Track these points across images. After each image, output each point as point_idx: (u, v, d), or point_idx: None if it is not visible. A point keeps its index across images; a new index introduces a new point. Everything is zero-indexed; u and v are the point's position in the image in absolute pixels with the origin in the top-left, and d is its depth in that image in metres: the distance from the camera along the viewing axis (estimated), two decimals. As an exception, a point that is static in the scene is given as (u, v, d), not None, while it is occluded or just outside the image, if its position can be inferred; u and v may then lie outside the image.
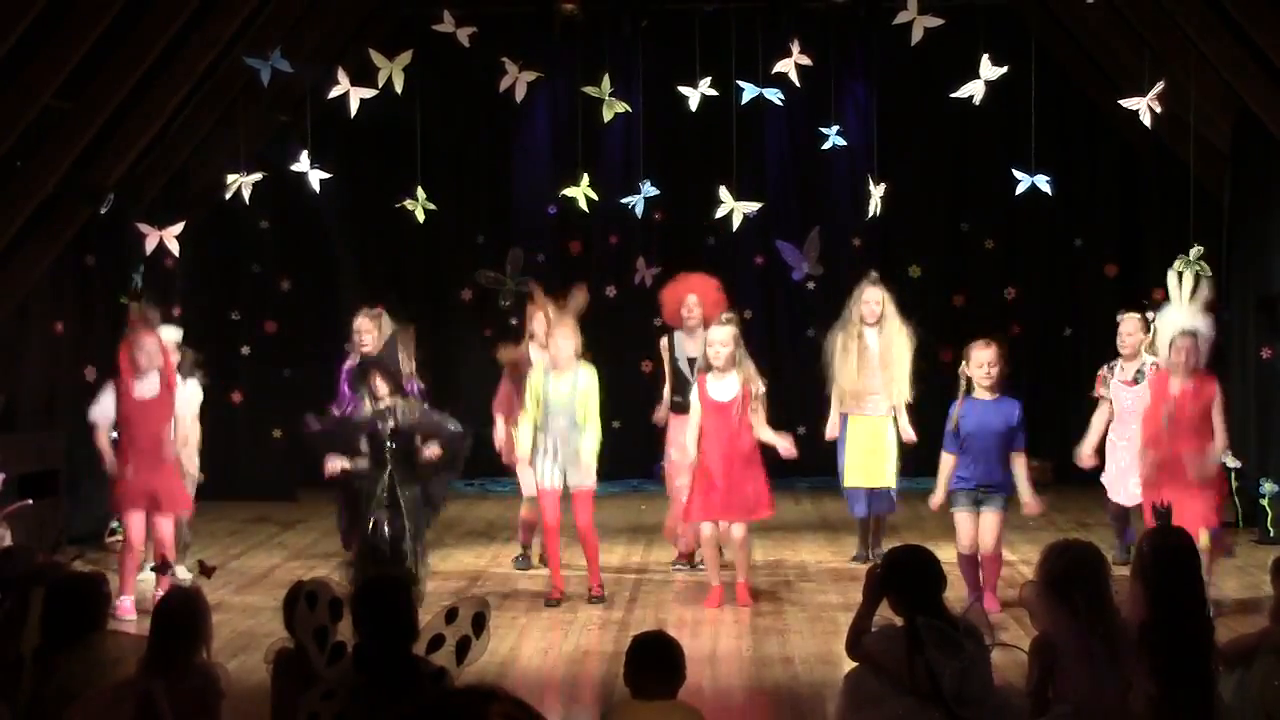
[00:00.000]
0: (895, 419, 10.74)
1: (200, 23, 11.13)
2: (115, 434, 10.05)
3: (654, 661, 5.27)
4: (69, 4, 9.87)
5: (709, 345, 9.87)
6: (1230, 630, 7.16)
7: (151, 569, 10.06)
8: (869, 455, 10.72)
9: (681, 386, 10.74)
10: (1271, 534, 11.53)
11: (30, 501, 9.81)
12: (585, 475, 9.93)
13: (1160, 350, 9.82)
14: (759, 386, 9.76)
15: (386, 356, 10.35)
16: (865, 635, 5.65)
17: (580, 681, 8.11)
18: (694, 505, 9.84)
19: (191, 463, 10.63)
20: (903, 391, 10.67)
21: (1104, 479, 10.69)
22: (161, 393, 9.82)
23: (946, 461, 9.40)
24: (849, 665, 5.86)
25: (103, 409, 9.94)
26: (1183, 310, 9.59)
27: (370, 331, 10.68)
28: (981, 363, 9.27)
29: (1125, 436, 10.40)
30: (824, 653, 8.40)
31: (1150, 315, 10.70)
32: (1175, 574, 5.54)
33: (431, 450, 9.48)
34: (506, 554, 11.35)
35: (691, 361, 10.71)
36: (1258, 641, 6.09)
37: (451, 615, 5.21)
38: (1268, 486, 11.64)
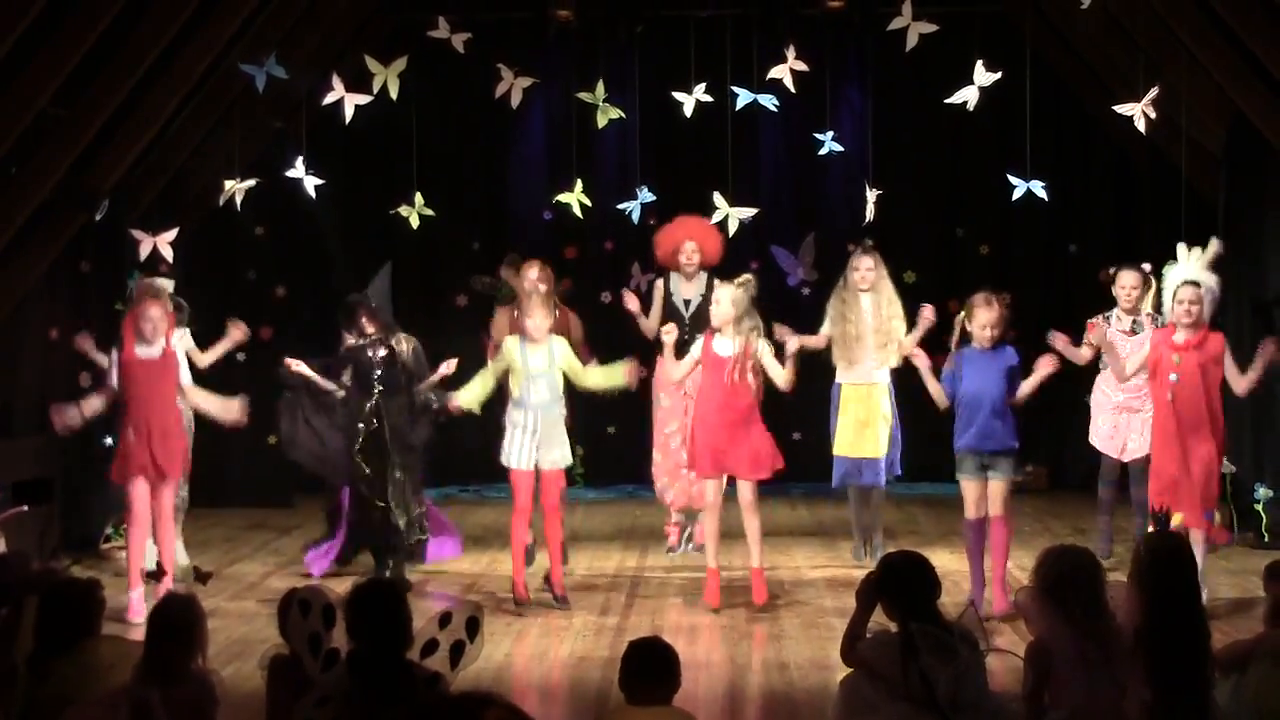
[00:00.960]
0: (890, 390, 10.72)
1: (195, 29, 11.12)
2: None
3: (649, 667, 5.28)
4: (64, 9, 9.87)
5: (713, 301, 9.83)
6: (1224, 634, 7.17)
7: (146, 574, 10.07)
8: (860, 425, 10.64)
9: (675, 325, 10.60)
10: (1266, 539, 11.54)
11: (26, 508, 9.80)
12: (561, 455, 9.89)
13: (1165, 304, 9.79)
14: (760, 345, 9.65)
15: (374, 294, 10.35)
16: (860, 641, 5.66)
17: (575, 687, 8.11)
18: (696, 456, 9.81)
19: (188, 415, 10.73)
20: (900, 345, 10.52)
21: (1094, 439, 10.71)
22: (164, 356, 9.89)
23: (938, 392, 9.43)
24: (844, 671, 5.87)
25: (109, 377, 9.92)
26: (1189, 265, 9.59)
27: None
28: (985, 324, 9.28)
29: (1119, 386, 10.42)
30: (819, 658, 8.40)
31: (1147, 268, 10.73)
32: (1171, 579, 5.54)
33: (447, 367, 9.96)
34: (503, 560, 11.30)
35: (687, 303, 10.86)
36: (1253, 646, 6.10)
37: (445, 620, 5.22)
38: (1263, 492, 11.65)
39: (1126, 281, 10.66)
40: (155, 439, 9.77)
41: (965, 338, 9.45)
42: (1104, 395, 10.73)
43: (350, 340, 10.31)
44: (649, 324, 11.04)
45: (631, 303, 11.16)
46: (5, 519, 9.39)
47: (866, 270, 10.77)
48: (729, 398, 9.62)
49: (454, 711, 3.17)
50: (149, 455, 9.73)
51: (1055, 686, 5.52)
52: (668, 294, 11.05)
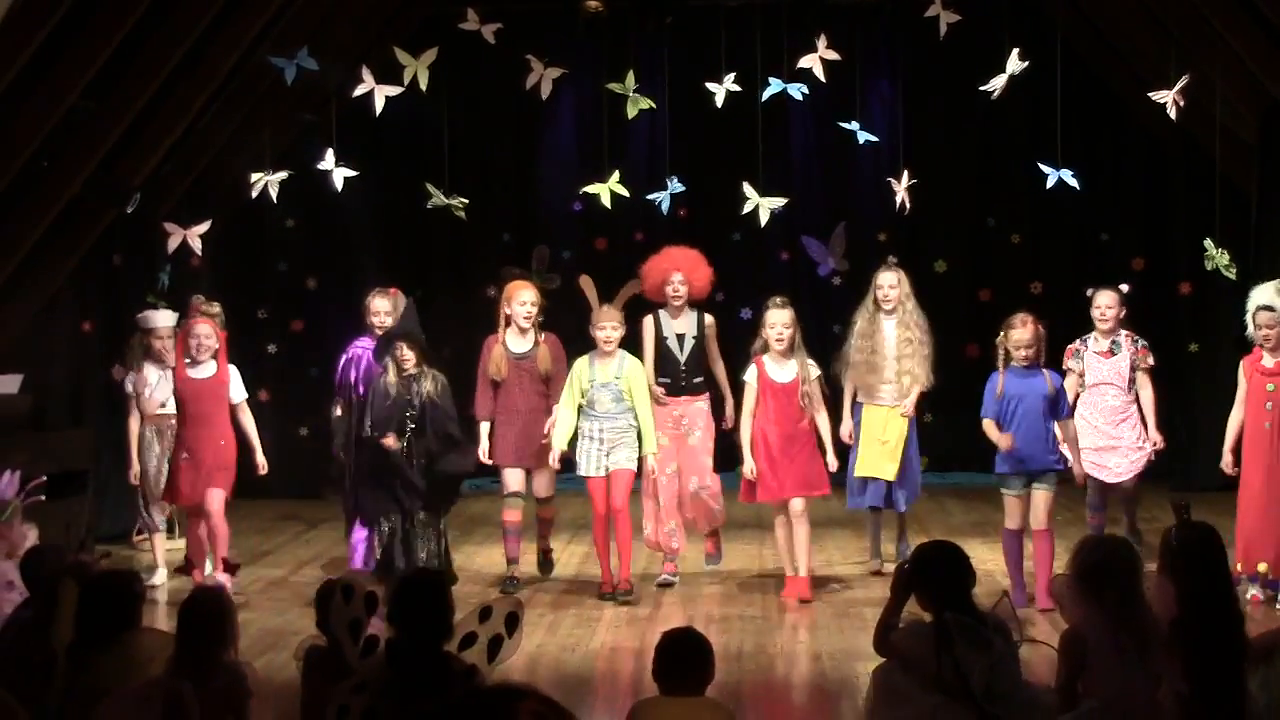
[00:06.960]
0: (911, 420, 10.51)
1: (225, 22, 11.15)
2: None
3: (683, 658, 5.27)
4: (95, 4, 9.90)
5: (770, 327, 9.80)
6: (1256, 625, 7.13)
7: (176, 570, 10.14)
8: (875, 445, 10.45)
9: (668, 367, 10.31)
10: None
11: (45, 479, 9.82)
12: (627, 457, 9.96)
13: (1248, 328, 9.83)
14: (814, 371, 9.94)
15: (409, 327, 10.31)
16: (893, 631, 5.64)
17: (608, 678, 8.12)
18: (758, 486, 9.86)
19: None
20: (917, 378, 10.42)
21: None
22: (215, 375, 10.02)
23: (990, 425, 9.44)
24: (877, 661, 5.86)
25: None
26: (1265, 289, 9.64)
27: (390, 313, 10.42)
28: (1019, 344, 9.39)
29: (1099, 410, 10.23)
30: (851, 649, 8.39)
31: (1125, 288, 10.54)
32: (1203, 570, 5.52)
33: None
34: (533, 551, 11.25)
35: (680, 338, 10.33)
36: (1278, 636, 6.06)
37: (485, 614, 5.22)
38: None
39: (1102, 302, 10.36)
40: (207, 456, 9.91)
41: (1006, 356, 9.48)
42: (1084, 421, 10.17)
43: (389, 377, 10.12)
44: (647, 368, 10.30)
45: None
46: (31, 488, 9.45)
47: (889, 289, 10.50)
48: (794, 421, 9.85)
49: (489, 703, 3.15)
50: (193, 479, 9.90)
51: (1089, 676, 5.50)
52: (659, 334, 10.39)
